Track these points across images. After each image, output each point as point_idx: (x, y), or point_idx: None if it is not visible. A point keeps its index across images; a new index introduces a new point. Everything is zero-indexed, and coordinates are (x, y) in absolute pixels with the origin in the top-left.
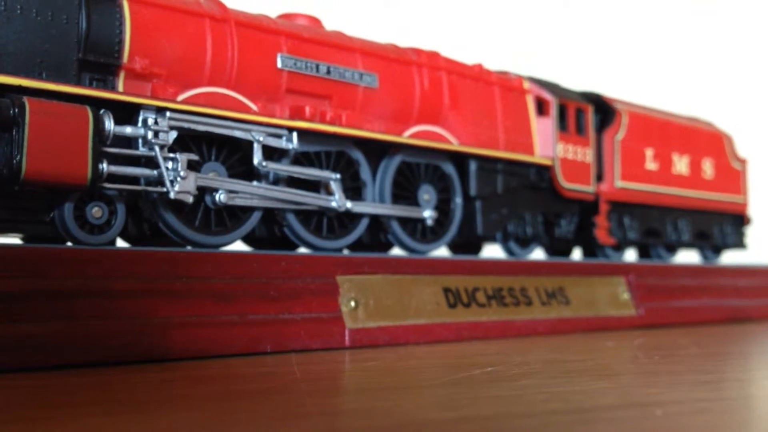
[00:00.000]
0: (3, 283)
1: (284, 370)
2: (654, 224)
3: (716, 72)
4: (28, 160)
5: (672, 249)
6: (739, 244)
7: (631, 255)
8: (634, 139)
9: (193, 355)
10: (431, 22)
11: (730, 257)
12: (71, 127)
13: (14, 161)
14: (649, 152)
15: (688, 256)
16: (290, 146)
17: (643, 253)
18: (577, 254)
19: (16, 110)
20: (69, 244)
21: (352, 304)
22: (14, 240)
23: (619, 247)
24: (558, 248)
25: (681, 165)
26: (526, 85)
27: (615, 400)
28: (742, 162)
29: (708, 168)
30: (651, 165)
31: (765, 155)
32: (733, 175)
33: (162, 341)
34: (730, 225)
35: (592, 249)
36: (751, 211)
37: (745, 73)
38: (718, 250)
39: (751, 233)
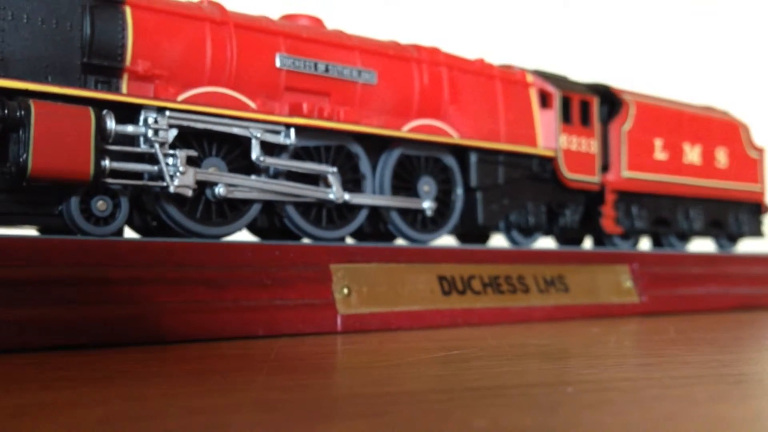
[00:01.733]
0: (11, 271)
1: (263, 352)
2: (664, 213)
3: (735, 61)
4: (33, 158)
5: (684, 238)
6: (756, 232)
7: (645, 244)
8: (642, 129)
9: (187, 338)
10: (443, 19)
11: (747, 245)
12: (74, 127)
13: (21, 159)
14: (658, 142)
15: (704, 245)
16: (288, 142)
17: (657, 242)
18: (588, 244)
19: (23, 112)
20: (77, 235)
21: (345, 291)
22: (25, 231)
23: (627, 236)
24: (567, 238)
25: (693, 154)
26: (530, 78)
27: (542, 379)
28: (760, 150)
29: (722, 157)
30: (660, 155)
31: None
32: (749, 163)
33: (158, 325)
34: (747, 213)
35: (601, 238)
36: None
37: (763, 62)
38: (733, 239)
39: None
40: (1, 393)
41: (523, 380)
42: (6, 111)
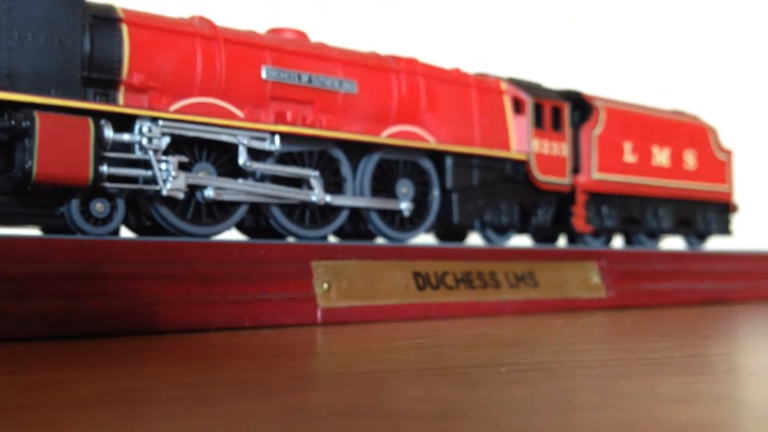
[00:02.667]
0: (17, 268)
1: (247, 341)
2: (634, 213)
3: (708, 66)
4: (38, 164)
5: (654, 236)
6: (725, 230)
7: (617, 242)
8: (612, 133)
9: (178, 328)
10: (422, 29)
11: (716, 243)
12: (75, 136)
13: (26, 166)
14: (627, 145)
15: (674, 243)
16: (273, 148)
17: (629, 240)
18: (561, 242)
19: (28, 123)
20: (78, 235)
21: (325, 286)
22: (29, 231)
23: (598, 235)
24: (542, 236)
25: (661, 157)
26: (503, 86)
27: (484, 362)
28: (727, 153)
29: (690, 159)
30: (630, 157)
31: (757, 147)
32: (717, 165)
33: (151, 317)
34: (715, 213)
35: (573, 237)
36: (740, 200)
37: (739, 70)
38: (702, 237)
39: (740, 221)
40: (12, 373)
41: (466, 363)
42: (13, 122)
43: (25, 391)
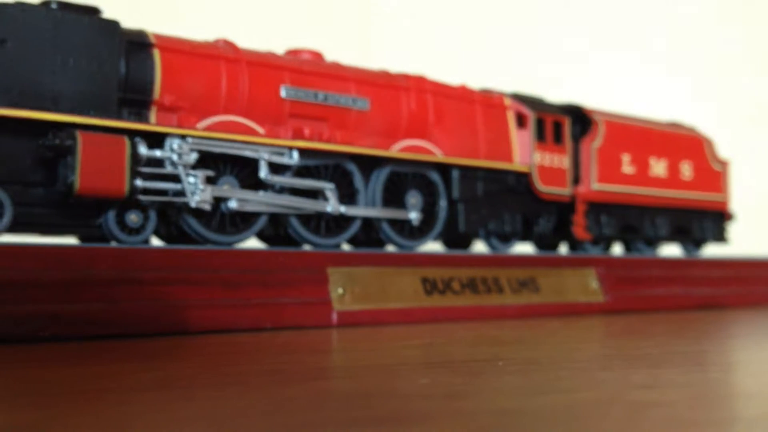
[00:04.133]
0: (60, 273)
1: (270, 340)
2: (632, 221)
3: (710, 78)
4: (79, 179)
5: (651, 243)
6: (720, 238)
7: (617, 249)
8: (611, 145)
9: (206, 330)
10: (431, 48)
11: (713, 250)
12: (112, 153)
13: (69, 180)
14: (626, 157)
15: (672, 250)
16: (291, 162)
17: (628, 247)
18: (562, 249)
19: (71, 142)
20: (113, 243)
21: (340, 290)
22: (66, 240)
23: (597, 242)
24: (544, 244)
25: (658, 168)
26: (507, 101)
27: (485, 357)
28: (724, 163)
29: (686, 170)
30: (628, 168)
31: (752, 157)
32: (713, 175)
33: (181, 319)
34: (711, 221)
35: (574, 244)
36: (737, 209)
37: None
38: (698, 244)
39: (736, 229)
40: (79, 366)
41: (469, 358)
42: (57, 141)
43: (95, 379)
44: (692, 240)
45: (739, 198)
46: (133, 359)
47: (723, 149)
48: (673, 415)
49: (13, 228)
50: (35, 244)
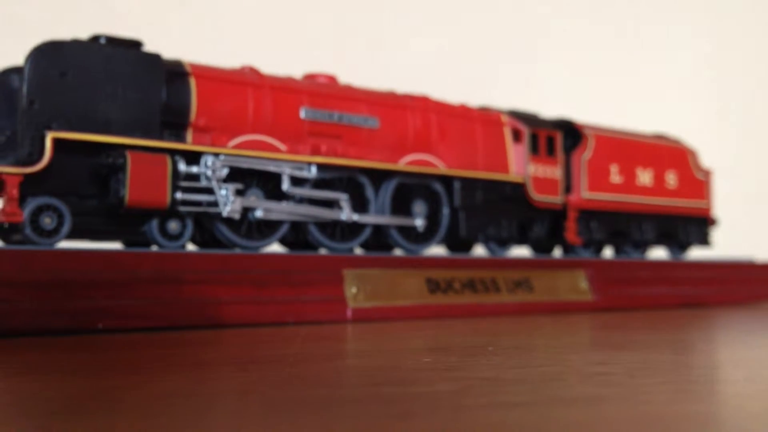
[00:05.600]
0: (112, 275)
1: (294, 333)
2: (620, 226)
3: (699, 94)
4: (129, 193)
5: (639, 247)
6: (704, 241)
7: (607, 253)
8: (600, 157)
9: (236, 323)
10: (435, 70)
11: (697, 253)
12: (156, 170)
13: (120, 194)
14: (614, 168)
15: (659, 253)
16: (310, 175)
17: (618, 250)
18: (556, 252)
19: (122, 160)
20: (155, 247)
21: (354, 290)
22: (115, 245)
23: (588, 246)
24: (540, 247)
25: (644, 177)
26: (504, 118)
27: (477, 343)
28: (706, 173)
29: (671, 179)
30: (616, 178)
31: (737, 167)
32: (696, 184)
33: (214, 314)
34: (695, 226)
35: (566, 248)
36: (720, 215)
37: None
38: (683, 247)
39: (719, 233)
40: (146, 349)
41: (465, 344)
42: (110, 159)
43: (167, 357)
44: (677, 243)
45: (726, 203)
46: (187, 345)
47: (706, 159)
48: (611, 381)
49: (71, 235)
50: (91, 249)
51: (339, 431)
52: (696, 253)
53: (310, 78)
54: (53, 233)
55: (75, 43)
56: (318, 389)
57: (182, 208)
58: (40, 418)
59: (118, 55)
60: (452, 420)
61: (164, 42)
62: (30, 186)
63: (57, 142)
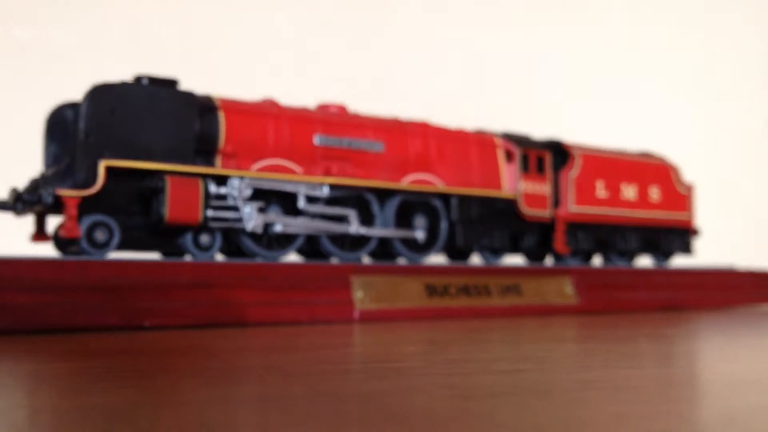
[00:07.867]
0: (155, 281)
1: (308, 331)
2: (605, 237)
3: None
4: (168, 211)
5: (624, 256)
6: (686, 250)
7: (596, 261)
8: (586, 174)
9: (258, 323)
10: (434, 97)
11: (682, 261)
12: (191, 192)
13: (161, 212)
14: (599, 183)
15: (644, 261)
16: (323, 194)
17: (605, 259)
18: (548, 261)
19: (162, 183)
20: (188, 257)
21: (361, 294)
22: (156, 255)
23: (575, 255)
24: (532, 256)
25: (628, 192)
26: (497, 141)
27: (469, 338)
28: (688, 187)
29: (654, 193)
30: (601, 192)
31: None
32: (678, 197)
33: (240, 314)
34: (677, 236)
35: (556, 257)
36: (702, 225)
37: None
38: (667, 256)
39: (702, 242)
40: (194, 339)
41: (458, 338)
42: (152, 183)
43: (208, 347)
44: (661, 252)
45: (710, 215)
46: (225, 339)
47: (688, 173)
48: (573, 363)
49: (119, 247)
50: (136, 260)
51: (338, 381)
52: (678, 261)
53: (323, 108)
54: (105, 246)
55: (122, 85)
56: (327, 365)
57: (212, 224)
58: (115, 381)
59: (158, 93)
60: (416, 382)
61: (200, 78)
62: (86, 206)
63: (108, 169)
